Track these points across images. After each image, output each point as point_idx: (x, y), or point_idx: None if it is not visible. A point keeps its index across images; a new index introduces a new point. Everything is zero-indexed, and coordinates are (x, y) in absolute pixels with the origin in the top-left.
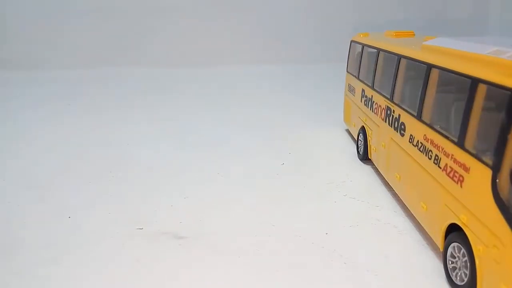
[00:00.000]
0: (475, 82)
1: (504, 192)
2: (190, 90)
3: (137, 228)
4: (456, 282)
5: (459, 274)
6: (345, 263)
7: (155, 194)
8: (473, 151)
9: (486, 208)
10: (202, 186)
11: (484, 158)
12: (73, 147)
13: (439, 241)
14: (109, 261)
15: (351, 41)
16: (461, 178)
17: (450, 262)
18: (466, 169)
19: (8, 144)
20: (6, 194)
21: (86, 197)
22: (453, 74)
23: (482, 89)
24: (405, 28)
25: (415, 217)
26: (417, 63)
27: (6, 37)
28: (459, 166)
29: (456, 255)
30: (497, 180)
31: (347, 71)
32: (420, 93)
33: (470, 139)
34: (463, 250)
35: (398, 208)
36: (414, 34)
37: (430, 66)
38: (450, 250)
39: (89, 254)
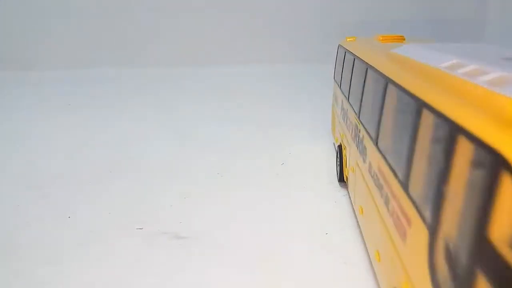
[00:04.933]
0: (420, 106)
1: (439, 265)
2: (190, 90)
3: (137, 228)
4: None
5: None
6: (345, 263)
7: (155, 194)
8: (416, 200)
9: (423, 281)
10: (202, 186)
11: (424, 213)
12: (73, 147)
13: None
14: (109, 261)
15: (338, 46)
16: (404, 232)
17: None
18: (409, 222)
19: (8, 144)
20: (6, 194)
21: (86, 197)
22: (403, 92)
23: (428, 118)
24: (399, 29)
25: None
26: (377, 74)
27: (5, 37)
28: (403, 215)
29: None
30: (433, 247)
31: (333, 78)
32: (378, 112)
33: (415, 183)
34: None
35: None
36: (404, 39)
37: (386, 80)
38: None
39: (89, 254)
